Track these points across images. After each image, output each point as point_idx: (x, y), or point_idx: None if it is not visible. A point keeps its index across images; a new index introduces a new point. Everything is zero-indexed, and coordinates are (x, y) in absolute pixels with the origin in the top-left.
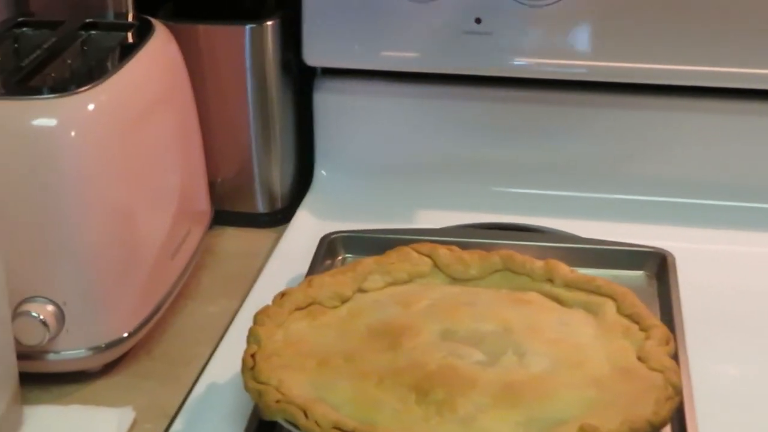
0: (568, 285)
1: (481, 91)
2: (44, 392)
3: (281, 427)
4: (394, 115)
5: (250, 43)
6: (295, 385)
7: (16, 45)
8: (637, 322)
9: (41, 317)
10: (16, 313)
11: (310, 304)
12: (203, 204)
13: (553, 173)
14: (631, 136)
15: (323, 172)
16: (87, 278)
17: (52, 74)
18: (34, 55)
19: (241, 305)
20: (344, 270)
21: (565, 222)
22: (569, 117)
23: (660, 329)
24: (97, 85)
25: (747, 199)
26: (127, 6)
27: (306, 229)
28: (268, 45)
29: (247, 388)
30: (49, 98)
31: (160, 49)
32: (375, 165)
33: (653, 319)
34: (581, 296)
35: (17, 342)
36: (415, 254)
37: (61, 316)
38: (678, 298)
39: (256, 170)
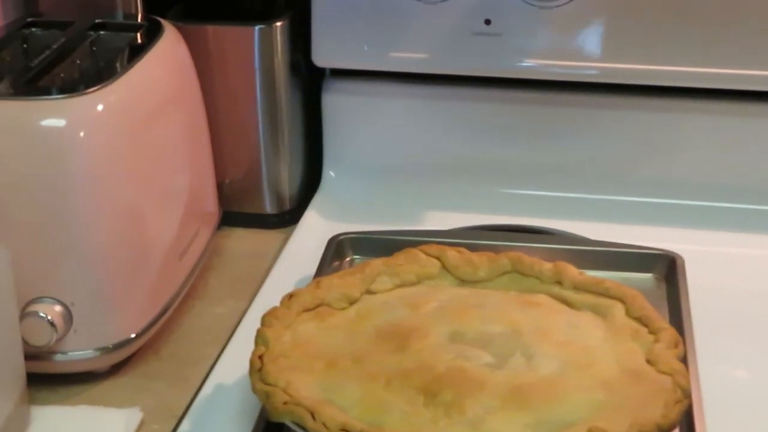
0: (577, 287)
1: (491, 93)
2: (52, 393)
3: (289, 428)
4: (403, 116)
5: (259, 44)
6: (302, 387)
7: (25, 45)
8: (646, 325)
9: (49, 318)
10: (24, 314)
11: (318, 306)
12: (211, 205)
13: (562, 175)
14: (640, 138)
15: (332, 173)
16: (95, 279)
17: (61, 75)
18: (43, 55)
19: (248, 306)
20: (352, 271)
21: (574, 224)
22: (578, 118)
23: (669, 332)
24: (106, 85)
25: (756, 201)
26: (137, 6)
27: (314, 230)
28: (277, 46)
29: (254, 389)
30: (58, 99)
31: (170, 50)
32: (383, 166)
33: (662, 321)
34: (590, 299)
35: (25, 342)
36: (423, 256)
37: (68, 316)
38: (687, 300)
39: (264, 171)
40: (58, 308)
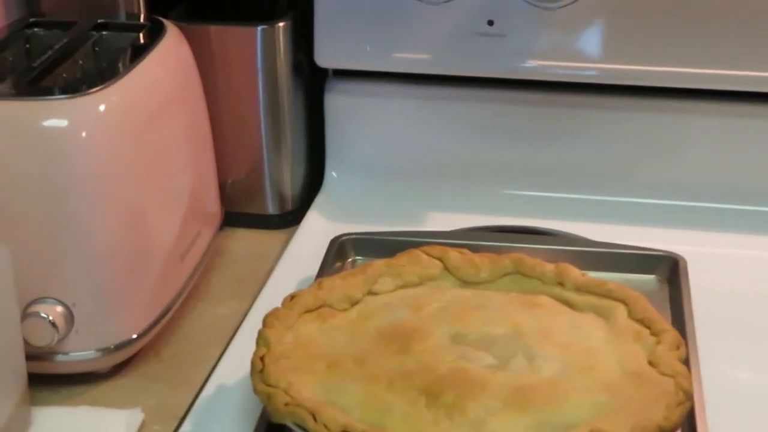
0: (579, 289)
1: (493, 93)
2: (53, 393)
3: (290, 430)
4: (406, 117)
5: (262, 45)
6: (304, 388)
7: (27, 45)
8: (648, 327)
9: (50, 318)
10: (26, 314)
11: (319, 307)
12: (213, 205)
13: (564, 176)
14: (643, 139)
15: (334, 173)
16: (97, 279)
17: (64, 75)
18: (46, 55)
19: (250, 307)
20: (354, 272)
21: (577, 225)
22: (581, 119)
23: (671, 334)
24: (108, 86)
25: (759, 203)
26: (139, 7)
27: (316, 230)
28: (280, 46)
29: (256, 390)
30: (60, 99)
31: (172, 50)
32: (386, 167)
33: (664, 323)
34: (592, 300)
35: (26, 343)
36: (425, 257)
37: (70, 317)
38: (689, 302)
39: (266, 172)
40: (59, 309)
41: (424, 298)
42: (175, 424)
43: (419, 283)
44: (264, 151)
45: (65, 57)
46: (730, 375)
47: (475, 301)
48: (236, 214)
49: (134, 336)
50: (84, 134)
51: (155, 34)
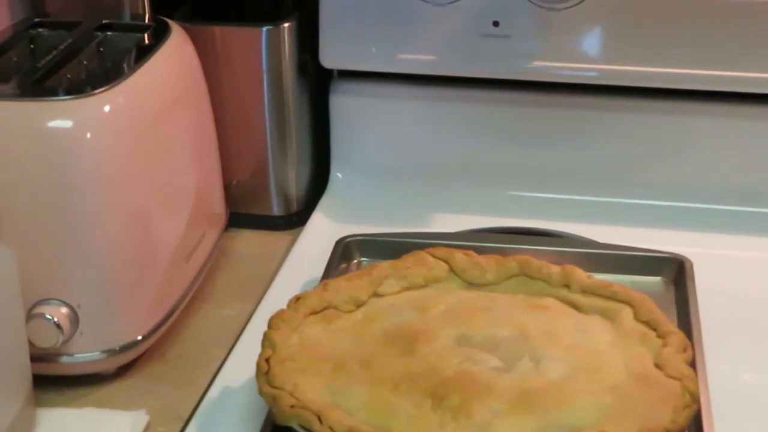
0: (585, 291)
1: (498, 95)
2: (58, 395)
3: None
4: (411, 118)
5: (267, 45)
6: (309, 390)
7: (32, 46)
8: (654, 329)
9: (55, 319)
10: (30, 316)
11: (325, 308)
12: (218, 206)
13: (570, 177)
14: (649, 141)
15: (339, 174)
16: (102, 281)
17: (68, 75)
18: (50, 56)
19: (255, 308)
20: (360, 274)
21: (582, 226)
22: (587, 121)
23: (677, 336)
24: (113, 86)
25: (765, 204)
26: (144, 7)
27: (321, 232)
28: (285, 47)
29: (261, 392)
30: (65, 100)
31: (177, 51)
32: (391, 168)
33: (671, 325)
34: (598, 302)
35: (31, 344)
36: (431, 259)
37: (75, 318)
38: (696, 304)
39: (271, 172)
40: (64, 310)
41: (430, 300)
42: (181, 425)
43: (425, 285)
44: (269, 151)
45: (70, 57)
46: (736, 377)
47: (481, 303)
48: (241, 215)
49: (139, 337)
50: (89, 135)
51: (160, 34)
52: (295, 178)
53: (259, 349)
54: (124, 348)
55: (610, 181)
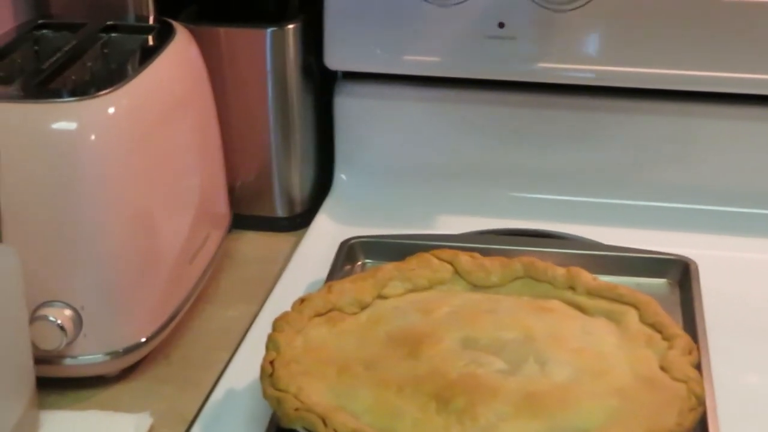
0: (591, 293)
1: (504, 96)
2: (61, 397)
3: None
4: (415, 119)
5: (272, 47)
6: (314, 393)
7: (36, 47)
8: (660, 331)
9: (59, 322)
10: (34, 318)
11: (329, 311)
12: (222, 208)
13: (575, 179)
14: (655, 142)
15: (343, 176)
16: (105, 282)
17: (73, 77)
18: (55, 57)
19: (259, 310)
20: (364, 276)
21: (587, 228)
22: (592, 122)
23: (683, 339)
24: (117, 88)
25: None
26: (148, 8)
27: (325, 233)
28: (290, 48)
29: (265, 395)
30: (69, 101)
31: (181, 52)
32: (395, 169)
33: (676, 328)
34: (603, 304)
35: (34, 346)
36: (435, 261)
37: (78, 320)
38: (701, 306)
39: (275, 174)
40: (67, 312)
41: (435, 302)
42: (185, 427)
43: (429, 287)
44: (273, 153)
45: (74, 59)
46: (742, 380)
47: (486, 305)
48: (245, 217)
49: (143, 339)
50: (93, 137)
51: (164, 36)
52: (299, 180)
53: (263, 351)
54: (128, 350)
55: (616, 183)
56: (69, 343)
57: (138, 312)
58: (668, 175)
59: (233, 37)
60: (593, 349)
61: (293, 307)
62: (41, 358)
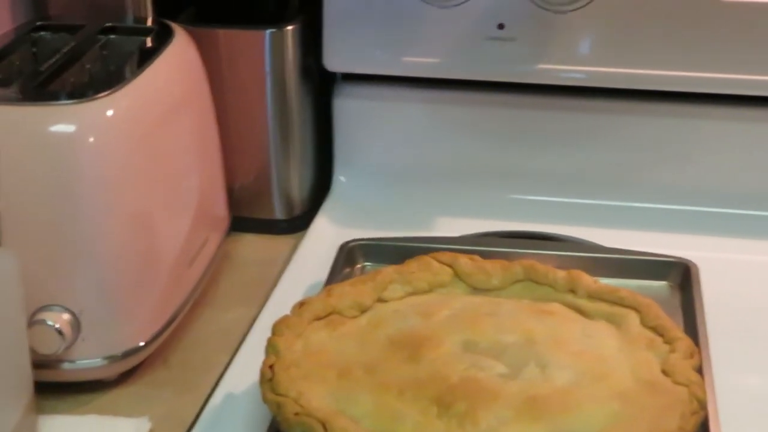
0: (591, 296)
1: (504, 98)
2: (59, 401)
3: None
4: (415, 121)
5: (271, 48)
6: (314, 397)
7: (34, 49)
8: (661, 335)
9: (57, 326)
10: (32, 322)
11: (329, 314)
12: (221, 210)
13: (575, 181)
14: (655, 144)
15: (342, 178)
16: (104, 286)
17: (71, 79)
18: (53, 59)
19: (259, 313)
20: (364, 279)
21: (588, 230)
22: (592, 124)
23: (684, 342)
24: (116, 90)
25: None
26: (147, 10)
27: (325, 236)
28: (289, 50)
29: (265, 399)
30: (67, 104)
31: (180, 54)
32: (395, 171)
33: (677, 331)
34: (604, 307)
35: (33, 351)
36: (435, 263)
37: (77, 324)
38: (702, 309)
39: (274, 176)
40: (66, 316)
41: (435, 306)
42: None
43: (429, 290)
44: (272, 155)
45: (72, 61)
46: (743, 383)
47: (487, 308)
48: (244, 219)
49: (142, 343)
50: (91, 139)
51: (163, 37)
52: (299, 182)
53: (262, 355)
54: (127, 354)
55: (616, 185)
56: (67, 348)
57: (137, 315)
58: (670, 177)
59: (232, 38)
60: (594, 352)
61: (293, 310)
62: (39, 363)
